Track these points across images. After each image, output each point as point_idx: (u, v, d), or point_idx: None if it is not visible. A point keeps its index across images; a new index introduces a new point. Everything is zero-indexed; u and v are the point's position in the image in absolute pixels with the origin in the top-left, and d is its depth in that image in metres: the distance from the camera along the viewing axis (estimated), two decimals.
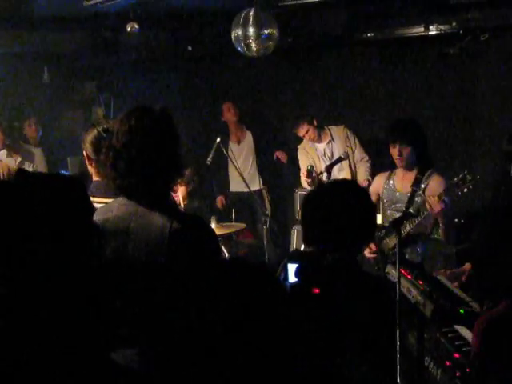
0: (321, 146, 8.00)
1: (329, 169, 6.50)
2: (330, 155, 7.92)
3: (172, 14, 7.95)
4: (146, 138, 2.99)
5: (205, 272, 2.54)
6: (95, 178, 3.79)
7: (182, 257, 2.89)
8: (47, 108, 9.81)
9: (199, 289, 2.25)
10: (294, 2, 6.60)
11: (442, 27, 7.09)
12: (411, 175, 5.82)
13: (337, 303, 3.01)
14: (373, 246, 5.67)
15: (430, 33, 7.21)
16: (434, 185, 5.68)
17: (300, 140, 8.12)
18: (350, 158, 7.76)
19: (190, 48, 8.88)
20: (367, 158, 7.89)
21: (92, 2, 6.99)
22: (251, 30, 6.92)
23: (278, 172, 9.36)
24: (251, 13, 6.91)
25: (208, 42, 8.66)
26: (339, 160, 6.90)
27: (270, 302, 2.22)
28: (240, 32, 6.99)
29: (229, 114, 9.11)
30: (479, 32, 7.03)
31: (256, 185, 8.93)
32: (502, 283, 2.90)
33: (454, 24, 6.96)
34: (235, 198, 9.07)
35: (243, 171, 8.56)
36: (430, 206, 5.37)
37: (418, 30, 7.29)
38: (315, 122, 7.88)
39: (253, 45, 7.04)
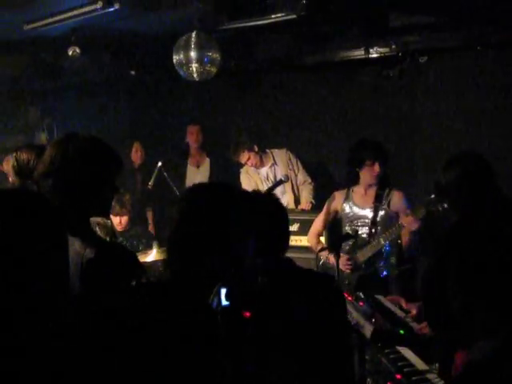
0: (264, 170, 8.00)
1: (270, 191, 6.50)
2: (273, 179, 7.91)
3: (114, 37, 7.90)
4: (65, 168, 2.99)
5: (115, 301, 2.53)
6: None
7: (96, 286, 2.81)
8: None
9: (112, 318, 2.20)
10: (235, 26, 6.59)
11: (381, 50, 7.17)
12: (371, 192, 6.22)
13: (268, 323, 2.97)
14: (345, 258, 6.02)
15: (370, 55, 7.27)
16: (396, 200, 6.14)
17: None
18: (293, 180, 7.79)
19: (132, 72, 8.85)
20: (310, 180, 7.91)
21: (32, 26, 6.91)
22: (193, 54, 6.90)
23: None
24: (193, 37, 6.89)
25: (151, 65, 8.63)
26: (280, 182, 6.94)
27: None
28: (182, 56, 6.96)
29: (192, 137, 8.96)
30: (418, 54, 7.13)
31: None
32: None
33: (393, 47, 7.03)
34: None
35: None
36: (407, 224, 5.74)
37: (359, 53, 7.35)
38: (256, 148, 7.87)
39: (195, 69, 7.01)
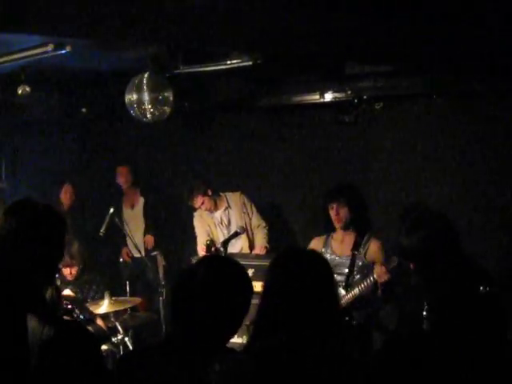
0: (217, 214, 7.84)
1: (225, 244, 6.40)
2: (226, 222, 7.79)
3: (65, 75, 7.74)
4: (17, 239, 2.91)
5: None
6: None
7: (54, 364, 2.68)
8: None
9: None
10: (189, 70, 6.49)
11: (337, 95, 7.15)
12: (350, 238, 6.17)
13: None
14: None
15: (325, 100, 7.25)
16: (373, 248, 6.09)
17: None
18: (247, 224, 7.68)
19: (83, 110, 8.70)
20: (264, 224, 7.80)
21: None
22: (145, 95, 6.78)
23: (172, 238, 9.13)
24: (145, 77, 6.77)
25: (102, 103, 8.49)
26: (236, 234, 6.83)
27: None
28: (134, 97, 6.84)
29: (122, 179, 8.96)
30: (373, 101, 7.12)
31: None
32: None
33: (348, 92, 7.01)
34: (130, 266, 8.87)
35: (135, 236, 8.44)
36: (378, 275, 5.70)
37: (314, 97, 7.32)
38: (210, 192, 7.74)
39: (147, 110, 6.89)
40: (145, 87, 6.79)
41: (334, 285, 3.07)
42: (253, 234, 7.77)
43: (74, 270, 6.85)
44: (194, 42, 5.19)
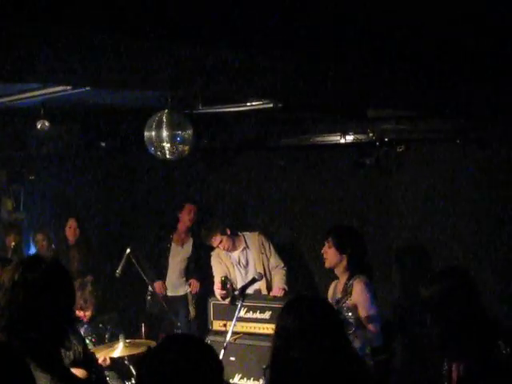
0: (235, 254, 7.72)
1: (243, 290, 6.26)
2: (244, 263, 7.67)
3: (85, 110, 7.74)
4: (27, 296, 2.84)
5: None
6: None
7: None
8: None
9: None
10: (209, 111, 6.45)
11: (358, 136, 7.06)
12: (342, 282, 5.91)
13: None
14: None
15: (346, 141, 7.16)
16: (357, 291, 5.74)
17: None
18: (265, 265, 7.56)
19: (103, 144, 8.66)
20: (282, 264, 7.66)
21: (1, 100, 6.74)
22: (165, 133, 6.72)
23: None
24: (165, 115, 6.72)
25: (121, 138, 8.46)
26: (253, 281, 6.67)
27: None
28: (153, 134, 6.78)
29: (187, 217, 8.70)
30: (395, 143, 7.03)
31: (182, 290, 8.76)
32: None
33: (370, 134, 6.92)
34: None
35: (174, 274, 8.54)
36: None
37: (335, 138, 7.24)
38: (228, 231, 7.63)
39: (166, 148, 6.83)
40: (164, 125, 6.73)
41: (344, 331, 3.09)
42: (271, 274, 7.65)
43: (89, 313, 6.74)
44: (212, 90, 5.13)
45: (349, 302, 5.72)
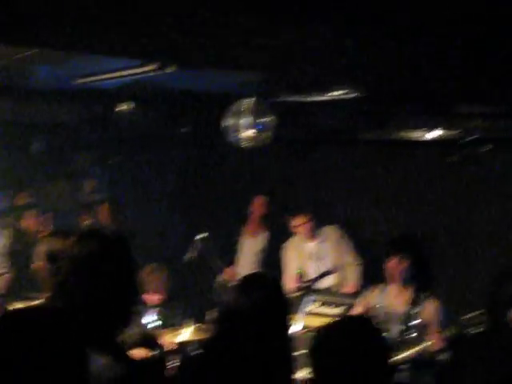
0: (310, 246, 7.63)
1: (315, 281, 6.17)
2: (320, 255, 7.54)
3: (167, 94, 7.72)
4: (90, 270, 2.71)
5: None
6: None
7: None
8: (35, 178, 9.53)
9: None
10: (292, 99, 6.34)
11: (444, 133, 6.84)
12: (406, 294, 5.81)
13: None
14: None
15: (431, 137, 6.95)
16: (430, 309, 5.67)
17: None
18: (340, 261, 7.44)
19: (183, 130, 8.65)
20: (358, 261, 7.52)
21: (83, 81, 6.77)
22: (246, 120, 6.66)
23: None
24: (247, 102, 6.65)
25: (203, 124, 8.43)
26: (326, 274, 6.57)
27: None
28: (234, 121, 6.73)
29: (260, 208, 8.64)
30: (482, 142, 6.79)
31: None
32: None
33: (456, 131, 6.70)
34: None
35: (245, 266, 8.29)
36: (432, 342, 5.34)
37: (420, 134, 7.03)
38: (311, 218, 7.56)
39: (246, 136, 6.77)
40: (246, 112, 6.68)
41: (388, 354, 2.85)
42: (345, 270, 7.51)
43: (161, 297, 6.73)
44: (297, 76, 5.05)
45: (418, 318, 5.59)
